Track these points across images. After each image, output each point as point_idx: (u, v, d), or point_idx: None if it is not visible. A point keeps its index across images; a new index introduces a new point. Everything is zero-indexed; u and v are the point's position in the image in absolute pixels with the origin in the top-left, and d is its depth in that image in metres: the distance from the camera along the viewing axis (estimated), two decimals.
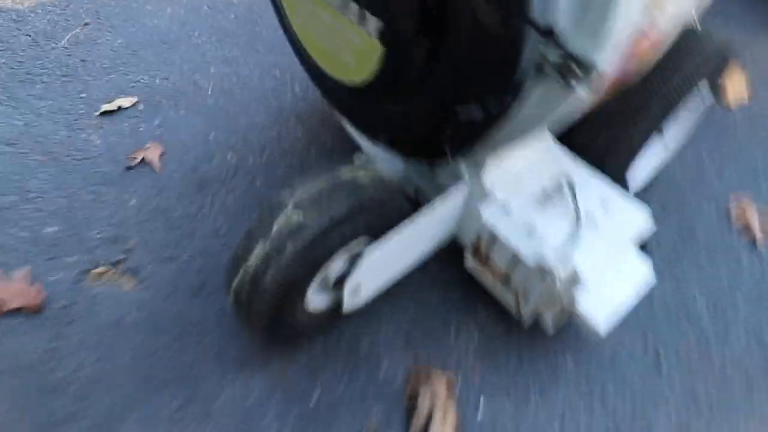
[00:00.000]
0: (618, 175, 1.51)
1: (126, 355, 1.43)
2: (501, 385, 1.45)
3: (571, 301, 1.15)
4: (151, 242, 1.68)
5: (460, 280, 1.65)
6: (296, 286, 1.13)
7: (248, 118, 2.12)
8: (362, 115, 1.29)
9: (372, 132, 1.35)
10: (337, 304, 1.38)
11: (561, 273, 1.09)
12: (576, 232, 1.20)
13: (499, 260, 1.26)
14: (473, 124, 0.98)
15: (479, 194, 1.35)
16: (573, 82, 0.74)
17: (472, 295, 1.62)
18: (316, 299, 1.34)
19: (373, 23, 0.94)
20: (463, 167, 1.37)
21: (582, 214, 1.25)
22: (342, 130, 2.09)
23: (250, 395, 1.39)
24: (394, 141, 1.30)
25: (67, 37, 2.36)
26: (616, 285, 1.20)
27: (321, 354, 1.47)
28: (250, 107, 2.16)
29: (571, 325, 1.35)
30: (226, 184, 1.88)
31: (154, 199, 1.80)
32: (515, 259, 1.19)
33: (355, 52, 1.03)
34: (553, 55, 0.75)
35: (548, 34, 0.72)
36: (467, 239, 1.38)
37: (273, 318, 1.17)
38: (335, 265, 1.23)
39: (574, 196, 1.22)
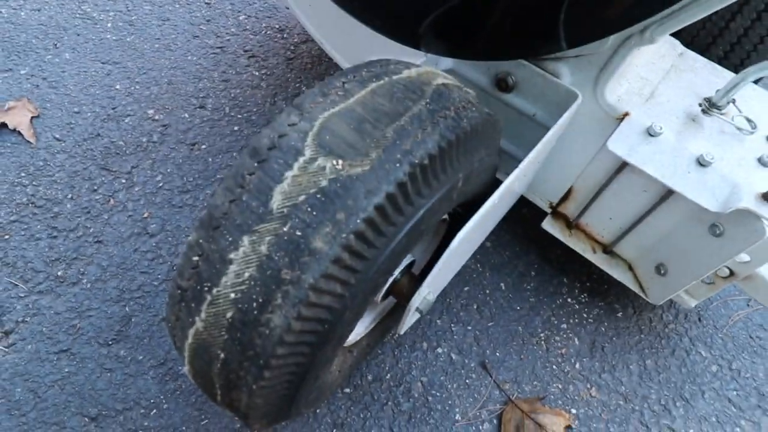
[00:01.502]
0: None
1: None
2: (633, 411, 0.92)
3: (763, 261, 0.76)
4: (23, 260, 0.95)
5: (527, 262, 1.10)
6: (340, 329, 0.50)
7: (173, 57, 1.39)
8: None
9: (414, 19, 0.72)
10: (382, 321, 0.77)
11: None
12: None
13: (605, 223, 0.89)
14: None
15: (595, 118, 0.80)
16: None
17: (550, 280, 1.07)
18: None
19: None
20: (568, 78, 0.79)
21: (762, 133, 0.77)
22: (323, 67, 1.43)
23: None
24: (450, 29, 0.68)
25: None
26: None
27: (356, 406, 0.85)
28: (175, 43, 1.43)
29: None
30: (150, 153, 1.16)
31: (24, 188, 1.06)
32: (645, 216, 0.81)
33: None
34: None
35: None
36: (547, 196, 0.96)
37: (287, 400, 0.53)
38: None
39: None
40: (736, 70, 0.94)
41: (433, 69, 0.56)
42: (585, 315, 1.03)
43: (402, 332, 0.70)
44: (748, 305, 1.10)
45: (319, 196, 0.42)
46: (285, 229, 0.42)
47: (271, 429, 0.80)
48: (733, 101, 0.75)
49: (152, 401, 0.81)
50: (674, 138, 0.74)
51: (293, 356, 0.46)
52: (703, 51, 0.94)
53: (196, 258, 0.46)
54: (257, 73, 1.38)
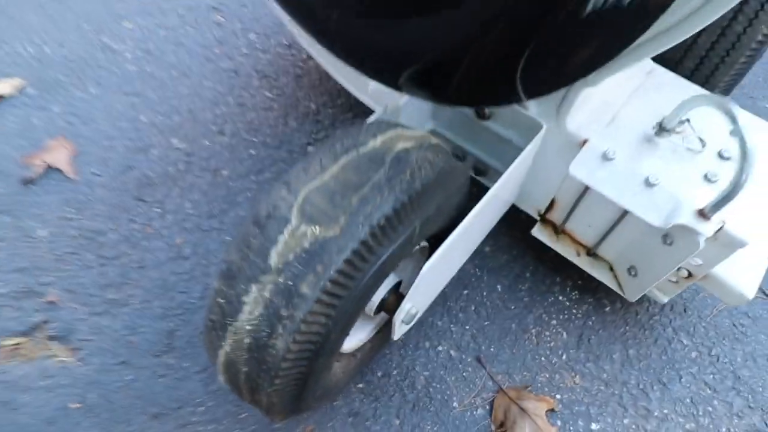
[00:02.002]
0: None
1: None
2: (612, 395, 1.13)
3: (714, 264, 0.93)
4: (81, 287, 1.23)
5: (523, 264, 1.29)
6: (328, 347, 0.72)
7: (190, 84, 1.62)
8: (374, 49, 0.85)
9: (389, 70, 0.91)
10: (381, 330, 0.99)
11: (708, 231, 0.83)
12: (712, 173, 0.90)
13: (586, 229, 1.07)
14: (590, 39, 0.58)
15: (561, 143, 0.98)
16: None
17: (544, 280, 1.27)
18: (352, 338, 0.94)
19: None
20: (534, 109, 0.97)
21: (712, 149, 0.93)
22: (331, 83, 1.63)
23: None
24: (425, 81, 0.87)
25: None
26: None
27: (368, 398, 1.08)
28: (191, 70, 1.66)
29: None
30: (177, 182, 1.41)
31: (72, 222, 1.34)
32: (617, 224, 0.99)
33: None
34: None
35: None
36: (534, 206, 1.15)
37: (296, 398, 0.76)
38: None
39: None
40: (704, 83, 1.08)
41: (400, 132, 0.76)
42: (574, 311, 1.22)
43: (395, 339, 0.91)
44: None
45: (303, 254, 0.64)
46: (281, 279, 0.64)
47: (291, 419, 1.04)
48: (688, 121, 0.91)
49: (199, 400, 1.07)
50: (627, 161, 0.91)
51: (295, 368, 0.68)
52: (676, 65, 1.08)
53: (220, 300, 0.69)
54: (269, 94, 1.60)
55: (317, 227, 0.64)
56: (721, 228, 0.85)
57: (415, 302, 0.86)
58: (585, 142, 0.94)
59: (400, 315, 0.83)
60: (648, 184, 0.89)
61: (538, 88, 0.80)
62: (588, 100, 0.95)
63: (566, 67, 0.75)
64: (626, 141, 0.94)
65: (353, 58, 0.95)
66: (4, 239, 1.28)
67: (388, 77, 0.93)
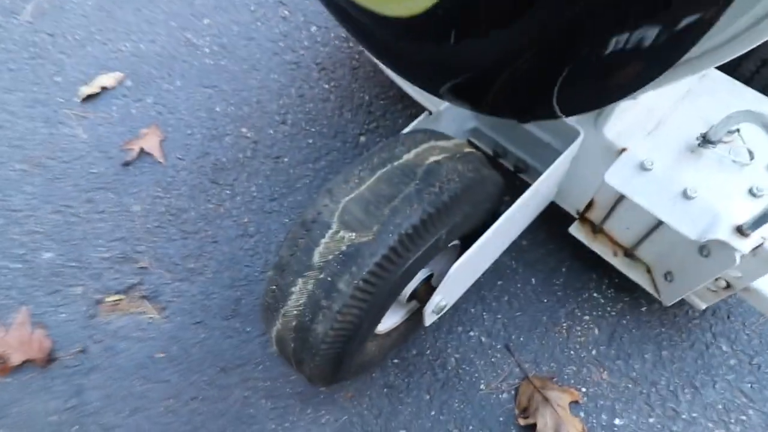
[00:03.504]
0: None
1: (160, 405, 1.18)
2: (640, 394, 1.11)
3: (754, 278, 0.89)
4: (167, 256, 1.38)
5: (559, 259, 1.28)
6: (360, 334, 0.79)
7: (259, 77, 1.72)
8: (415, 63, 0.88)
9: (432, 85, 0.93)
10: (414, 314, 1.05)
11: (745, 248, 0.79)
12: (758, 188, 0.85)
13: (624, 231, 1.04)
14: (627, 65, 0.57)
15: (599, 150, 0.95)
16: None
17: (580, 276, 1.25)
18: (386, 321, 1.01)
19: None
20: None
21: (761, 162, 0.87)
22: (383, 75, 1.66)
23: None
24: (463, 93, 0.89)
25: (29, 9, 1.98)
26: None
27: (402, 373, 1.17)
28: (260, 63, 1.75)
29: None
30: (245, 167, 1.53)
31: (161, 200, 1.49)
32: (655, 229, 0.96)
33: None
34: None
35: None
36: (573, 205, 1.13)
37: (333, 372, 0.85)
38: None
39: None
40: (765, 88, 0.99)
41: (433, 144, 0.80)
42: (609, 308, 1.21)
43: (427, 325, 0.98)
44: None
45: (341, 256, 0.71)
46: (321, 276, 0.72)
47: (334, 386, 1.14)
48: (738, 131, 0.85)
49: (258, 360, 1.20)
50: (666, 171, 0.88)
51: (332, 349, 0.77)
52: (733, 68, 1.00)
53: (273, 287, 0.78)
54: (327, 86, 1.66)
55: (353, 233, 0.71)
56: (761, 245, 0.81)
57: (445, 295, 0.91)
58: (623, 150, 0.92)
59: (430, 306, 0.89)
60: (686, 196, 0.85)
61: (573, 108, 0.79)
62: (631, 107, 0.93)
63: (600, 91, 0.74)
64: (668, 150, 0.90)
65: (397, 68, 0.98)
66: (109, 213, 1.46)
67: (429, 87, 0.95)
